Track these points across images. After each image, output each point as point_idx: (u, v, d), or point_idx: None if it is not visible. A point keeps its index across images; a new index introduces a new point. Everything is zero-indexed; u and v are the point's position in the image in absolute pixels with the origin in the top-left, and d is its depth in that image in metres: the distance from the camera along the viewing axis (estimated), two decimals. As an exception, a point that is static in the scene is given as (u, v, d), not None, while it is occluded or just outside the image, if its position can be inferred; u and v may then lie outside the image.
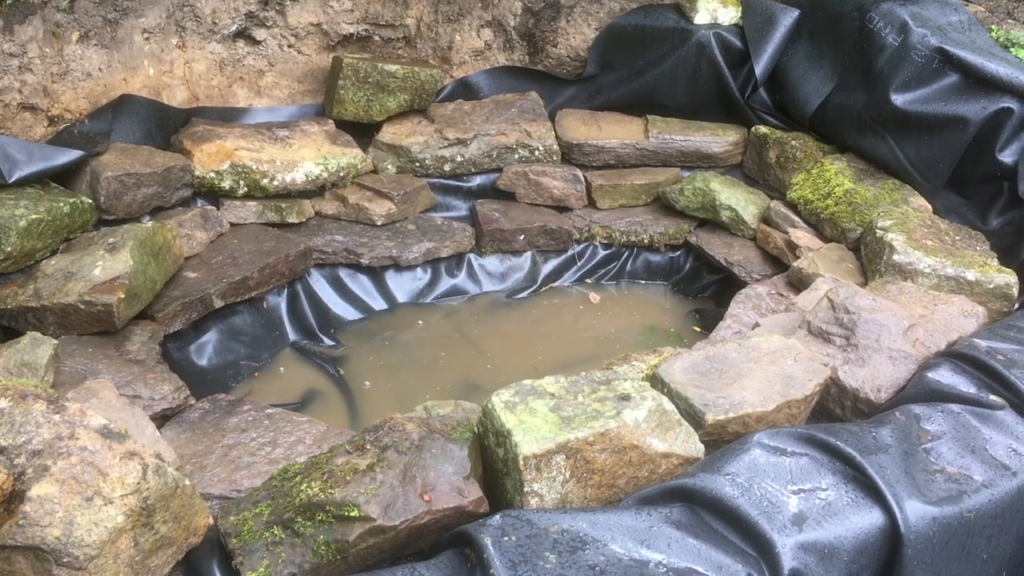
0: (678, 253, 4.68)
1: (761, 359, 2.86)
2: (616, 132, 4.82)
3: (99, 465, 2.15)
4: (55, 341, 3.02)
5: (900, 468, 2.26)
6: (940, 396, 2.62)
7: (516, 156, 4.71)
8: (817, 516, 2.15)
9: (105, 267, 3.36)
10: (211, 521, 2.31)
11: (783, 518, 2.13)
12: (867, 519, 2.18)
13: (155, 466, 2.19)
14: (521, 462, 2.28)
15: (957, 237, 3.84)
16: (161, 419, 2.99)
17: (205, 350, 3.75)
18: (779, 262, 4.26)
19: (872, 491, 2.21)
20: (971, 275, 3.49)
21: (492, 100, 4.93)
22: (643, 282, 4.70)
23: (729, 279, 4.45)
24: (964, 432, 2.44)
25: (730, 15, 4.78)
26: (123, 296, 3.28)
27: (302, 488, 2.29)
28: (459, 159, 4.65)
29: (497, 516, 2.16)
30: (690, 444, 2.52)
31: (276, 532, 2.25)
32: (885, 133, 4.27)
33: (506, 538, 2.08)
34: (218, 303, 3.74)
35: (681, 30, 4.77)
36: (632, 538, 2.10)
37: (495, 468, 2.47)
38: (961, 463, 2.34)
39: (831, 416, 2.96)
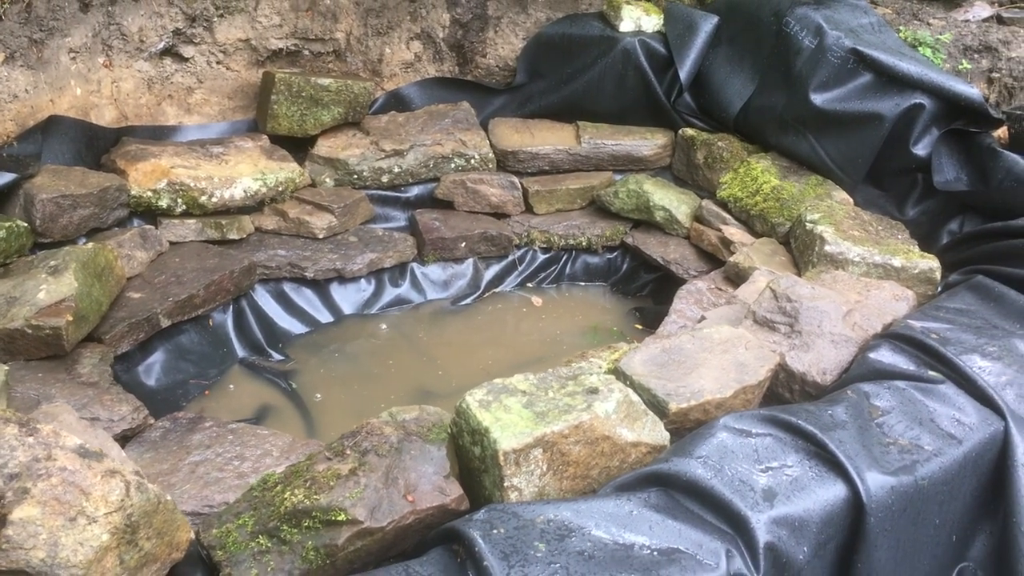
0: (615, 254, 4.81)
1: (714, 349, 2.98)
2: (549, 139, 4.93)
3: (81, 484, 2.13)
4: (5, 367, 2.95)
5: (858, 442, 2.40)
6: (884, 375, 2.78)
7: (452, 165, 4.77)
8: (786, 492, 2.26)
9: (49, 290, 3.29)
10: (192, 536, 2.30)
11: (755, 495, 2.24)
12: (831, 492, 2.30)
13: (136, 483, 2.18)
14: (501, 457, 2.34)
15: (880, 227, 4.06)
16: (121, 440, 2.95)
17: (153, 370, 3.70)
18: (714, 258, 4.42)
19: (834, 465, 2.34)
20: (897, 262, 3.69)
21: (425, 111, 4.99)
22: (583, 284, 4.81)
23: (666, 277, 4.59)
24: (911, 406, 2.60)
25: (653, 22, 4.94)
26: (71, 319, 3.22)
27: (285, 496, 2.30)
28: (396, 170, 4.69)
29: (482, 511, 2.21)
30: (656, 432, 2.62)
31: (262, 541, 2.25)
32: (806, 131, 4.47)
33: (495, 531, 2.13)
34: (165, 322, 3.70)
35: (607, 38, 4.91)
36: (615, 523, 2.18)
37: (471, 466, 2.52)
38: (911, 435, 2.49)
39: (781, 399, 3.10)
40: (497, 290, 4.67)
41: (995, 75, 4.41)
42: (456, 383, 3.96)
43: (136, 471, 2.23)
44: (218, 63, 4.76)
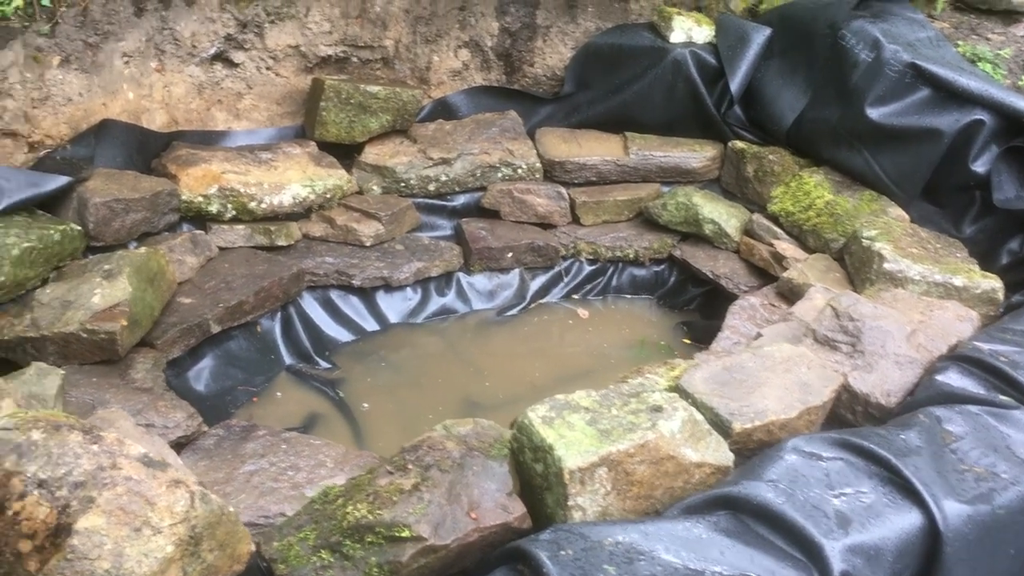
0: (662, 267, 4.76)
1: (776, 368, 2.93)
2: (596, 149, 4.89)
3: (146, 494, 2.10)
4: (62, 371, 2.95)
5: (933, 469, 2.34)
6: (955, 398, 2.71)
7: (499, 174, 4.74)
8: (861, 519, 2.21)
9: (104, 295, 3.29)
10: (253, 548, 2.27)
11: (829, 522, 2.18)
12: (907, 520, 2.24)
13: (200, 493, 2.16)
14: (566, 476, 2.30)
15: (938, 245, 3.98)
16: (176, 447, 2.93)
17: (202, 376, 3.69)
18: (765, 273, 4.36)
19: (909, 492, 2.28)
20: (958, 281, 3.61)
21: (472, 119, 4.96)
22: (629, 296, 4.76)
23: (714, 291, 4.53)
24: (985, 432, 2.53)
25: (704, 34, 4.89)
26: (125, 324, 3.22)
27: (347, 511, 2.27)
28: (443, 178, 4.67)
29: (549, 531, 2.17)
30: (720, 453, 2.57)
31: (324, 556, 2.22)
32: (861, 146, 4.40)
33: (562, 552, 2.09)
34: (215, 328, 3.69)
35: (657, 48, 4.86)
36: (685, 547, 2.13)
37: (533, 483, 2.48)
38: (987, 462, 2.42)
39: (843, 421, 3.04)
40: (543, 301, 4.63)
41: (1057, 91, 4.31)
42: (503, 395, 3.93)
43: (199, 481, 2.21)
44: (268, 69, 4.76)
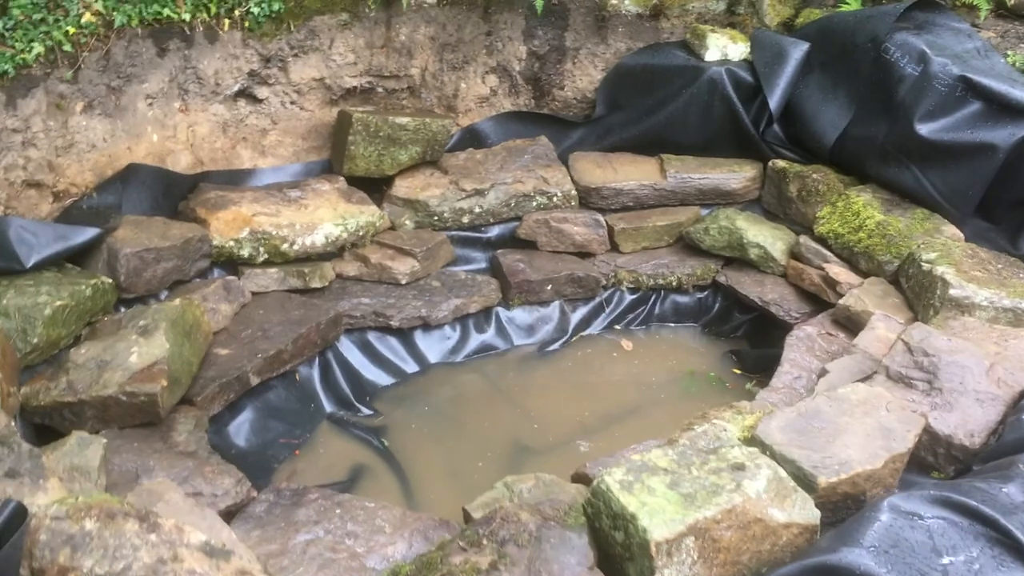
0: (706, 293, 4.61)
1: (854, 412, 2.78)
2: (632, 173, 4.75)
3: (211, 591, 1.97)
4: (103, 440, 2.82)
5: (1044, 527, 2.18)
6: (1050, 442, 2.56)
7: (534, 204, 4.60)
8: (972, 586, 2.05)
9: (141, 353, 3.16)
10: (322, 637, 2.14)
11: (939, 591, 2.03)
12: (1021, 584, 2.09)
13: (266, 585, 2.02)
14: (653, 548, 2.16)
15: (1000, 265, 3.82)
16: (225, 516, 2.79)
17: (242, 431, 3.56)
18: (816, 298, 4.21)
19: (1020, 553, 2.13)
20: (1028, 306, 3.46)
21: (503, 147, 4.82)
22: (672, 325, 4.61)
23: (761, 317, 4.38)
24: (1090, 481, 2.37)
25: (739, 51, 4.75)
26: (166, 384, 3.09)
27: (422, 594, 2.13)
28: (477, 210, 4.53)
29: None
30: (808, 511, 2.42)
31: (400, 645, 2.08)
32: (909, 163, 4.25)
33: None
34: (255, 380, 3.56)
35: (692, 67, 4.72)
36: (788, 625, 1.98)
37: (611, 552, 2.33)
38: (1098, 515, 2.27)
39: (923, 464, 2.88)
40: (584, 333, 4.48)
41: (1113, 99, 4.15)
42: (552, 438, 3.79)
43: (264, 568, 2.07)
44: (292, 103, 4.63)
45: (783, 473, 2.42)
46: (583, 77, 5.01)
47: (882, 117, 4.33)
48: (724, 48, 4.73)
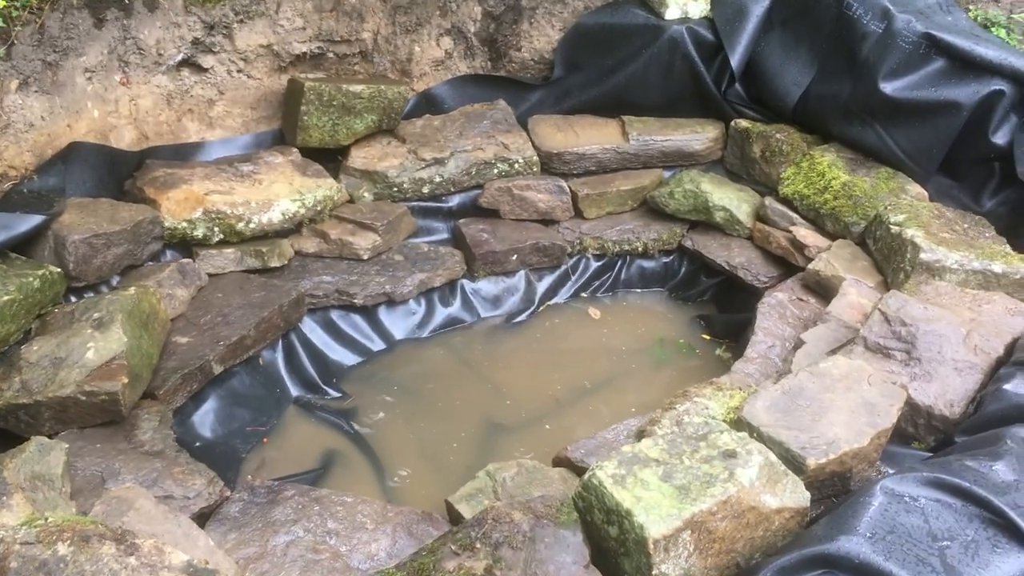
0: (671, 258, 4.56)
1: (836, 387, 2.76)
2: (594, 137, 4.65)
3: (198, 617, 1.88)
4: (65, 445, 2.69)
5: (1036, 505, 2.18)
6: (1032, 412, 2.57)
7: (495, 171, 4.49)
8: (970, 570, 2.05)
9: (98, 348, 3.01)
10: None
11: (939, 577, 2.02)
12: (1016, 565, 2.09)
13: (255, 605, 1.94)
14: (650, 545, 2.11)
15: (966, 225, 3.83)
16: (199, 519, 2.69)
17: (207, 421, 3.43)
18: (784, 261, 4.18)
19: (1015, 534, 2.13)
20: (997, 267, 3.46)
21: (460, 112, 4.68)
22: (639, 291, 4.57)
23: (729, 282, 4.35)
24: (1076, 454, 2.38)
25: (700, 8, 4.65)
26: (126, 380, 2.95)
27: (416, 603, 2.06)
28: (438, 180, 4.40)
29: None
30: (798, 495, 2.40)
31: (396, 658, 2.02)
32: (873, 121, 4.22)
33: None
34: (218, 369, 3.43)
35: (652, 26, 4.61)
36: (791, 620, 1.96)
37: (604, 546, 2.29)
38: (1086, 490, 2.28)
39: (903, 435, 2.89)
40: (551, 302, 4.41)
41: (1071, 54, 4.15)
42: (526, 413, 3.73)
43: (250, 589, 1.98)
44: (239, 71, 4.43)
45: (773, 457, 2.39)
46: (540, 38, 4.87)
47: (845, 75, 4.28)
48: (684, 5, 4.62)
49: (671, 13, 4.62)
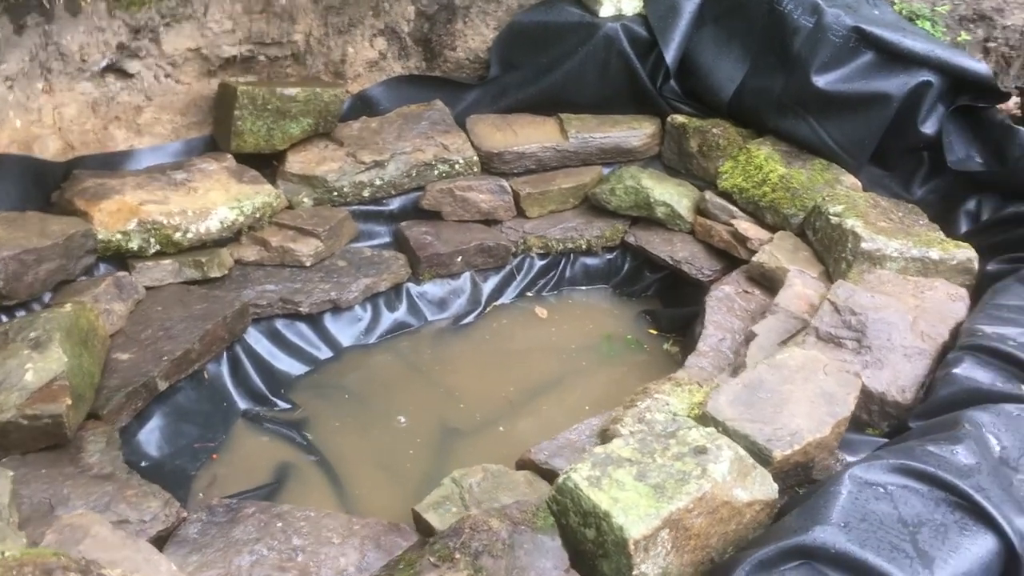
0: (614, 254, 4.58)
1: (795, 378, 2.80)
2: (533, 135, 4.64)
3: (176, 649, 1.81)
4: (10, 472, 2.56)
5: (997, 486, 2.25)
6: (982, 396, 2.64)
7: (436, 172, 4.44)
8: (942, 554, 2.10)
9: (37, 370, 2.88)
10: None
11: (912, 563, 2.07)
12: (984, 546, 2.15)
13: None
14: (631, 547, 2.11)
15: (900, 213, 3.93)
16: (157, 542, 2.59)
17: (154, 440, 3.32)
18: (726, 255, 4.24)
19: (981, 516, 2.19)
20: (935, 254, 3.57)
21: (398, 114, 4.62)
22: (583, 288, 4.58)
23: (672, 276, 4.40)
24: (1028, 434, 2.46)
25: (633, 5, 4.68)
26: (70, 402, 2.83)
27: (398, 619, 2.02)
28: (378, 183, 4.34)
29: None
30: (767, 487, 2.44)
31: (381, 676, 1.97)
32: (806, 114, 4.30)
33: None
34: (163, 385, 3.31)
35: (587, 24, 4.62)
36: (775, 613, 1.98)
37: (581, 548, 2.28)
38: (1040, 468, 2.36)
39: (858, 422, 2.95)
40: (497, 303, 4.39)
41: (991, 45, 4.32)
42: (480, 416, 3.71)
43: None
44: (167, 76, 4.29)
45: (742, 451, 2.41)
46: (475, 37, 4.84)
47: (778, 69, 4.36)
48: (618, 3, 4.65)
49: (605, 10, 4.64)
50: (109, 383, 3.19)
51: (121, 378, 3.22)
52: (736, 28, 4.54)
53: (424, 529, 2.64)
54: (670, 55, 4.60)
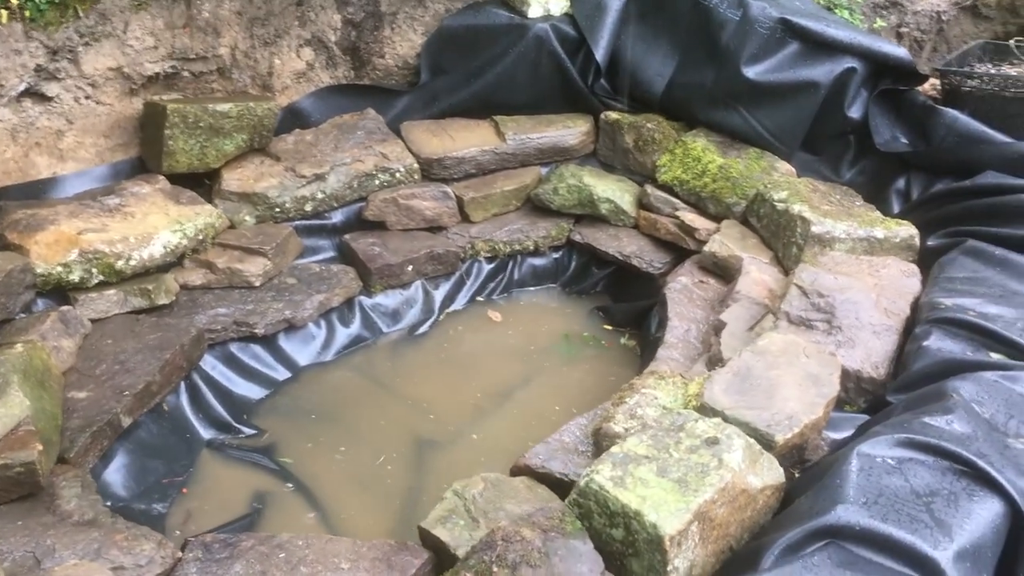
0: (561, 253, 4.61)
1: (779, 363, 2.87)
2: (470, 139, 4.62)
3: None
4: (-11, 530, 2.40)
5: (996, 451, 2.36)
6: (957, 366, 2.77)
7: (377, 182, 4.37)
8: (957, 520, 2.19)
9: (0, 416, 2.71)
10: None
11: (932, 533, 2.15)
12: (992, 509, 2.25)
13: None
14: (667, 543, 2.13)
15: (838, 196, 4.08)
16: (155, 587, 2.48)
17: (120, 479, 3.16)
18: (673, 246, 4.31)
19: (985, 481, 2.29)
20: (879, 233, 3.71)
21: (331, 125, 4.53)
22: (532, 288, 4.59)
23: (620, 271, 4.45)
24: (1007, 398, 2.59)
25: (561, 5, 4.71)
26: (41, 447, 2.67)
27: (447, 640, 1.98)
28: (320, 196, 4.24)
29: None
30: (775, 471, 2.49)
31: None
32: (738, 105, 4.42)
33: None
34: (127, 421, 3.16)
35: (516, 26, 4.63)
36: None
37: (608, 550, 2.29)
38: (1026, 430, 2.49)
39: (837, 400, 3.03)
40: (450, 310, 4.36)
41: (903, 30, 4.53)
42: (452, 427, 3.66)
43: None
44: (87, 98, 4.09)
45: (751, 439, 2.46)
46: (403, 43, 4.79)
47: (708, 63, 4.45)
48: (546, 3, 4.67)
49: (534, 11, 4.65)
50: (71, 424, 3.02)
51: (83, 418, 3.06)
52: (662, 24, 4.63)
53: (433, 545, 2.59)
54: (600, 53, 4.66)
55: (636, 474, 2.28)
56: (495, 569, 2.10)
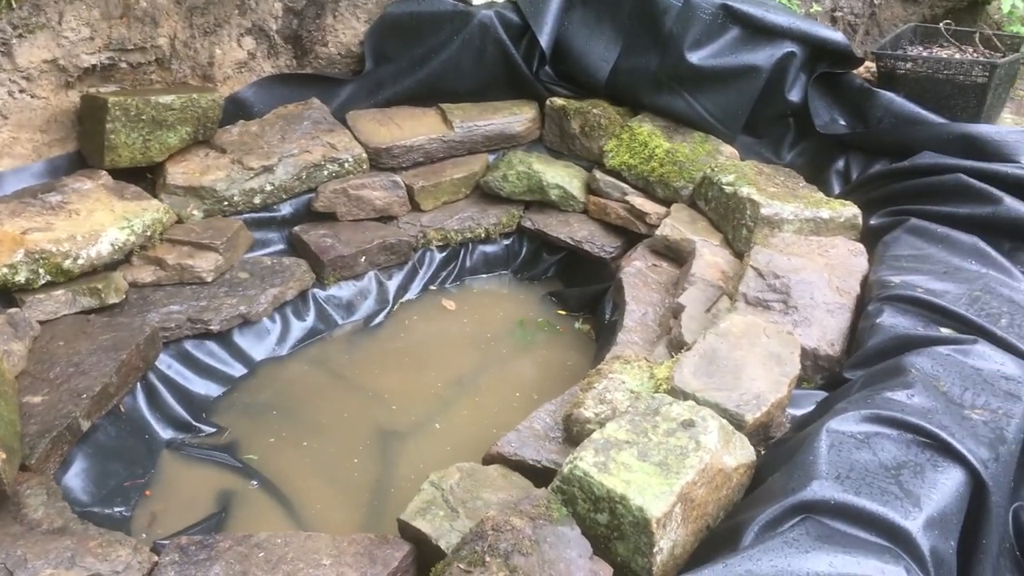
0: (511, 240, 4.63)
1: (741, 344, 2.95)
2: (417, 128, 4.60)
3: None
4: (-42, 544, 2.33)
5: (955, 423, 2.47)
6: (910, 341, 2.88)
7: (326, 172, 4.33)
8: (924, 491, 2.29)
9: (-43, 427, 2.63)
10: None
11: (902, 504, 2.24)
12: (955, 479, 2.35)
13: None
14: (654, 525, 2.18)
15: (782, 178, 4.19)
16: (134, 593, 2.44)
17: (81, 483, 3.08)
18: (624, 231, 4.38)
19: (948, 452, 2.39)
20: (825, 213, 3.82)
21: (276, 115, 4.47)
22: (484, 276, 4.61)
23: (571, 256, 4.50)
24: (960, 371, 2.71)
25: (504, -9, 4.72)
26: (4, 456, 2.59)
27: (445, 632, 2.01)
28: (269, 188, 4.18)
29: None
30: (746, 450, 2.57)
31: None
32: (681, 90, 4.50)
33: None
34: (86, 425, 3.09)
35: (461, 13, 4.62)
36: (797, 565, 2.10)
37: (592, 534, 2.33)
38: (980, 401, 2.60)
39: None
40: (403, 300, 4.35)
41: (838, 14, 4.65)
42: (415, 416, 3.67)
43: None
44: (22, 92, 3.95)
45: (723, 420, 2.53)
46: (346, 31, 4.73)
47: (652, 49, 4.51)
48: (489, -10, 4.67)
49: (477, -2, 4.65)
50: (29, 430, 2.94)
51: (41, 423, 2.98)
52: (606, 10, 4.67)
53: (413, 537, 2.61)
54: (544, 39, 4.68)
55: (618, 459, 2.32)
56: (488, 559, 2.12)
